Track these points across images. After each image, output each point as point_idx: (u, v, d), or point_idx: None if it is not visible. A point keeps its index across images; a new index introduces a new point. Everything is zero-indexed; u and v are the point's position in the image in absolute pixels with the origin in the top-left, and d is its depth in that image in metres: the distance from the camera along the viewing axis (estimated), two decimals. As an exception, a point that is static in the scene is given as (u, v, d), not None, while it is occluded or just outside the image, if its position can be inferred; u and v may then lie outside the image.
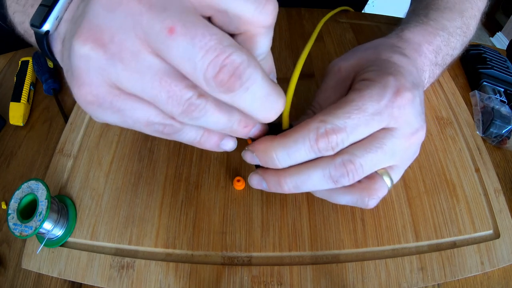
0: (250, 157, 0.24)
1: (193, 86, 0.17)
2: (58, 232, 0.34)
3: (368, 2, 0.73)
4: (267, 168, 0.24)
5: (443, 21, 0.32)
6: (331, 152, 0.22)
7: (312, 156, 0.22)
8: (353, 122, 0.21)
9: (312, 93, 0.47)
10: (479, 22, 0.39)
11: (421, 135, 0.24)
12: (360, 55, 0.27)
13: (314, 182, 0.22)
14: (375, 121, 0.22)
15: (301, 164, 0.23)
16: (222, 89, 0.16)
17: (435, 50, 0.31)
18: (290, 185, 0.23)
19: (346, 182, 0.22)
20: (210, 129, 0.20)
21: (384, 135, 0.22)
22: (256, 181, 0.25)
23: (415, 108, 0.23)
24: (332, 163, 0.22)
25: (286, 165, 0.23)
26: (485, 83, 0.49)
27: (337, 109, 0.22)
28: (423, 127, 0.25)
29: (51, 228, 0.33)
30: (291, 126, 0.25)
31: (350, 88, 0.25)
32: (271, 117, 0.19)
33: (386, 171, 0.25)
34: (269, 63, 0.23)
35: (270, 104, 0.18)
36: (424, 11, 0.34)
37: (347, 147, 0.22)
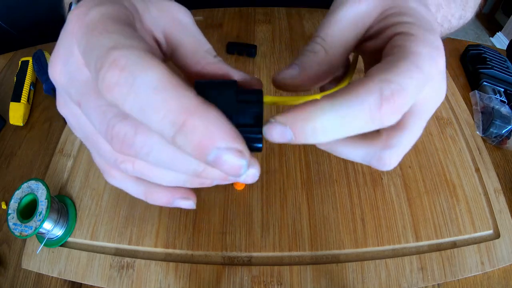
0: (279, 133, 0.17)
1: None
2: (58, 232, 0.34)
3: None
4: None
5: None
6: (393, 121, 0.17)
7: (368, 127, 0.17)
8: (416, 83, 0.18)
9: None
10: (477, 6, 0.39)
11: (441, 101, 0.21)
12: None
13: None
14: (427, 84, 0.19)
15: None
16: (124, 157, 0.17)
17: (436, 5, 0.29)
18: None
19: (393, 120, 0.18)
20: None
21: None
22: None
23: (444, 68, 0.21)
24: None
25: (330, 139, 0.18)
26: (485, 83, 0.49)
27: (398, 67, 0.17)
28: (445, 90, 0.22)
29: (51, 228, 0.33)
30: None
31: (369, 28, 0.22)
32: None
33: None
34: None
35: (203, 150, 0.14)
36: None
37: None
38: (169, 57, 0.22)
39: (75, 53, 0.17)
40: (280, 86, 0.22)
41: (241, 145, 0.14)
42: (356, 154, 0.20)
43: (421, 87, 0.18)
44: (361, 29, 0.22)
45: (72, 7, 0.26)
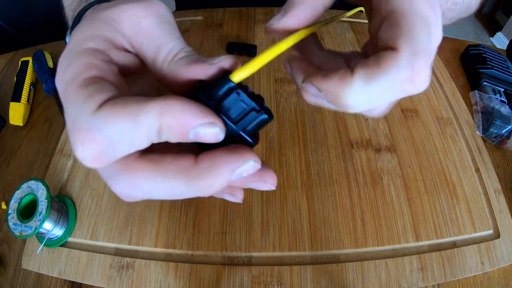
0: (314, 95, 0.18)
1: None
2: (58, 232, 0.34)
3: None
4: (326, 79, 0.18)
5: None
6: (421, 88, 0.17)
7: (399, 98, 0.17)
8: (434, 40, 0.18)
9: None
10: (478, 5, 0.38)
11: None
12: None
13: (387, 92, 0.17)
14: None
15: (368, 70, 0.17)
16: None
17: None
18: (357, 100, 0.17)
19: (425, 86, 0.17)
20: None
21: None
22: (314, 95, 0.19)
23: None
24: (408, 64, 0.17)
25: (362, 110, 0.18)
26: (485, 83, 0.49)
27: (416, 32, 0.17)
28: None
29: (51, 228, 0.33)
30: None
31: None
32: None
33: None
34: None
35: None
36: None
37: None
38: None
39: None
40: (271, 33, 0.21)
41: (209, 118, 0.16)
42: (383, 87, 0.17)
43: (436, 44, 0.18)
44: None
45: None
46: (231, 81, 0.17)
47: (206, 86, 0.18)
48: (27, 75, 0.48)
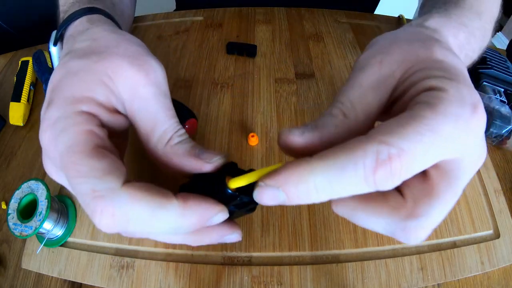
0: (270, 196, 0.17)
1: None
2: (58, 232, 0.34)
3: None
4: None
5: (463, 18, 0.28)
6: (389, 186, 0.16)
7: (363, 190, 0.16)
8: (424, 147, 0.15)
9: (313, 93, 0.47)
10: (493, 32, 0.37)
11: (481, 163, 0.18)
12: (405, 47, 0.20)
13: (369, 226, 0.17)
14: (450, 146, 0.16)
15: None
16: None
17: (458, 45, 0.27)
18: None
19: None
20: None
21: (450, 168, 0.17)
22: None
23: (484, 128, 0.17)
24: (402, 222, 0.17)
25: (324, 199, 0.17)
26: (485, 83, 0.49)
27: (404, 127, 0.16)
28: (485, 152, 0.18)
29: (51, 228, 0.33)
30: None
31: (395, 89, 0.20)
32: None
33: None
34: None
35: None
36: (443, 5, 0.31)
37: (419, 200, 0.17)
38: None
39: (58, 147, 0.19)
40: (287, 145, 0.19)
41: (219, 207, 0.19)
42: (377, 222, 0.18)
43: (439, 150, 0.16)
44: (384, 92, 0.20)
45: (51, 51, 0.31)
46: (229, 189, 0.19)
47: (205, 185, 0.21)
48: (27, 75, 0.48)
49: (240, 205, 0.20)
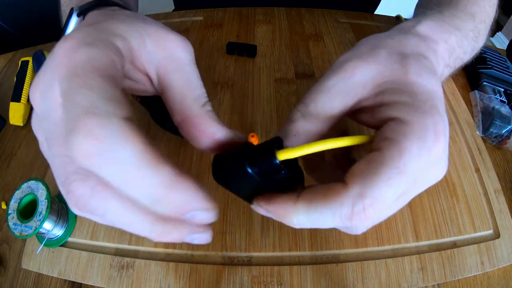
0: (263, 213, 0.21)
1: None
2: (58, 232, 0.34)
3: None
4: (269, 199, 0.20)
5: (457, 20, 0.29)
6: (363, 229, 0.20)
7: (336, 227, 0.20)
8: (396, 191, 0.18)
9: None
10: (489, 31, 0.37)
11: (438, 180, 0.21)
12: (383, 61, 0.21)
13: (327, 222, 0.19)
14: (415, 185, 0.19)
15: (312, 201, 0.19)
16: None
17: (449, 49, 0.28)
18: (301, 223, 0.20)
19: (365, 228, 0.20)
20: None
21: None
22: (262, 212, 0.21)
23: (446, 157, 0.20)
24: (349, 207, 0.18)
25: (307, 228, 0.20)
26: (485, 83, 0.49)
27: (376, 175, 0.17)
28: (445, 169, 0.21)
29: (51, 228, 0.33)
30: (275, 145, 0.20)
31: (363, 99, 0.21)
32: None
33: None
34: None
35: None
36: (437, 6, 0.32)
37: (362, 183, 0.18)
38: (160, 93, 0.21)
39: (55, 89, 0.16)
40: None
41: (210, 204, 0.17)
42: (323, 217, 0.19)
43: (407, 189, 0.18)
44: (351, 100, 0.21)
45: (70, 22, 0.26)
46: (277, 159, 0.18)
47: (251, 154, 0.19)
48: (27, 75, 0.48)
49: (278, 181, 0.19)
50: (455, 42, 0.28)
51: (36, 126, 0.19)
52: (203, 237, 0.18)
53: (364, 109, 0.21)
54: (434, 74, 0.22)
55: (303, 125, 0.21)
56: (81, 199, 0.15)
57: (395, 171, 0.17)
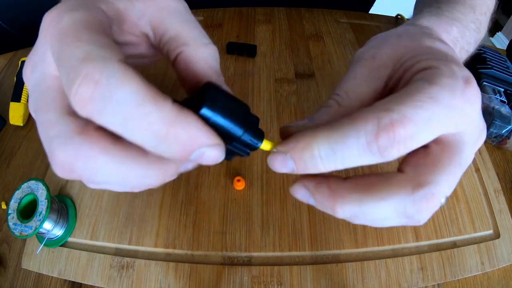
0: (280, 162, 0.18)
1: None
2: (58, 232, 0.34)
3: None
4: (320, 182, 0.19)
5: (457, 13, 0.30)
6: (395, 155, 0.16)
7: (368, 159, 0.16)
8: (427, 114, 0.16)
9: (313, 93, 0.47)
10: (490, 22, 0.38)
11: (483, 140, 0.19)
12: (394, 42, 0.22)
13: (381, 215, 0.17)
14: (450, 116, 0.17)
15: (366, 189, 0.17)
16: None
17: (452, 41, 0.28)
18: (348, 213, 0.17)
19: (422, 220, 0.17)
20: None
21: (457, 146, 0.17)
22: (302, 195, 0.20)
23: (480, 103, 0.18)
24: (410, 196, 0.16)
25: (331, 169, 0.17)
26: (485, 83, 0.49)
27: (405, 96, 0.16)
28: (485, 129, 0.19)
29: (51, 228, 0.33)
30: None
31: (389, 79, 0.21)
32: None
33: None
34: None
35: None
36: (435, 3, 0.32)
37: (422, 171, 0.17)
38: (159, 49, 0.21)
39: (48, 59, 0.16)
40: (285, 135, 0.20)
41: (218, 139, 0.15)
42: (386, 207, 0.17)
43: (440, 119, 0.16)
44: (378, 82, 0.21)
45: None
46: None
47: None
48: (27, 75, 0.48)
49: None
50: (457, 33, 0.28)
51: (32, 107, 0.18)
52: (213, 153, 0.16)
53: (393, 86, 0.21)
54: (447, 44, 0.22)
55: (337, 108, 0.20)
56: (66, 164, 0.15)
57: (427, 95, 0.16)
